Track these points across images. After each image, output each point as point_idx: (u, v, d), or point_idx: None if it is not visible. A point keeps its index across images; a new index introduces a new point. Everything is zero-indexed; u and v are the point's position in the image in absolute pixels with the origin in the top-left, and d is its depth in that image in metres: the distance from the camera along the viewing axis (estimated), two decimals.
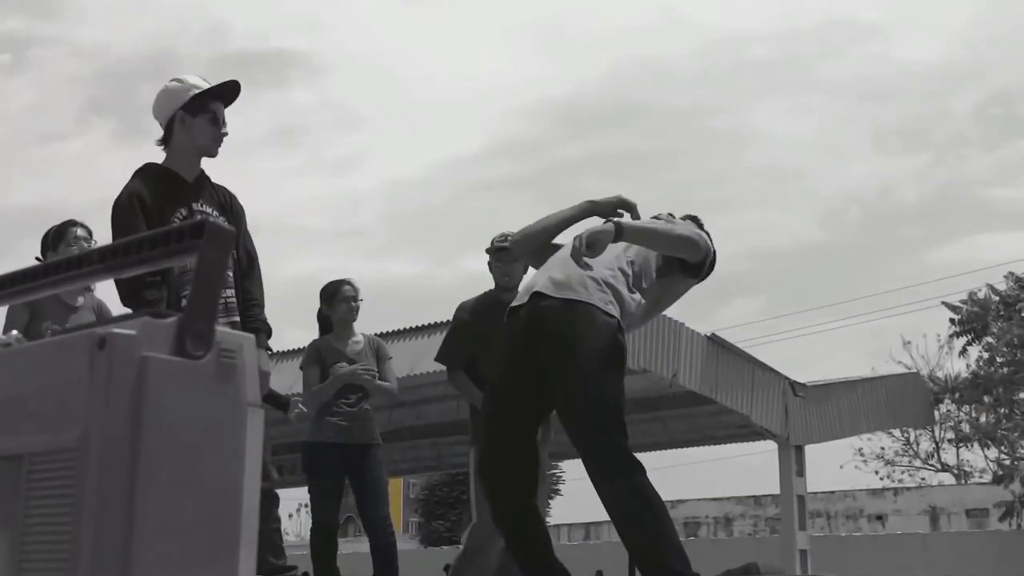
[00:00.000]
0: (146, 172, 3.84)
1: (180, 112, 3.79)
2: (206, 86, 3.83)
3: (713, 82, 60.80)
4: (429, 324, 11.40)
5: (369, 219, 77.47)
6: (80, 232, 4.79)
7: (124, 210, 3.72)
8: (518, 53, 63.31)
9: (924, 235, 61.06)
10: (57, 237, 4.80)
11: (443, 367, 5.32)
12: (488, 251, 5.18)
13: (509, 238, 4.48)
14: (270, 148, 72.48)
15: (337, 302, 5.78)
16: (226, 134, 3.86)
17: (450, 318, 5.45)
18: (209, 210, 3.83)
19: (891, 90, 56.44)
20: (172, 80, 3.88)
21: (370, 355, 5.83)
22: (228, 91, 3.88)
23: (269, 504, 4.45)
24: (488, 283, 5.26)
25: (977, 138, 56.15)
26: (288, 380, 8.14)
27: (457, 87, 72.42)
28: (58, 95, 72.29)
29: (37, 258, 4.87)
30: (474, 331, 5.03)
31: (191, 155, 3.85)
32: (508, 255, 4.93)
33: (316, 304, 5.93)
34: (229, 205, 3.98)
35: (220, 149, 3.87)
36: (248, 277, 4.01)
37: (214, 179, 3.99)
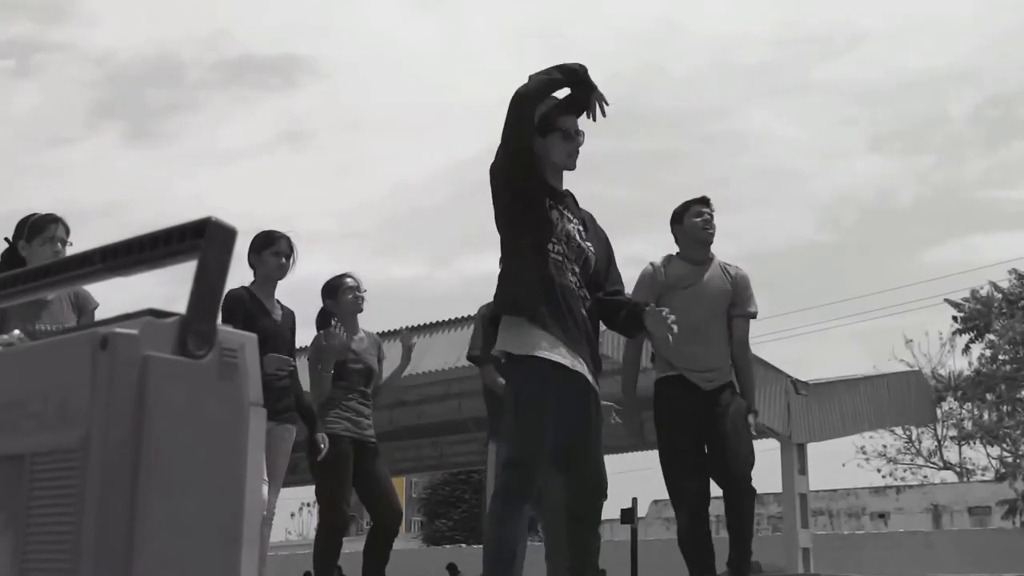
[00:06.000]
0: None
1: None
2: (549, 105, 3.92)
3: (712, 85, 60.81)
4: (429, 323, 11.41)
5: (372, 221, 77.55)
6: (60, 232, 4.58)
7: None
8: (520, 57, 63.26)
9: (921, 237, 61.09)
10: (34, 230, 4.58)
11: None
12: None
13: None
14: (275, 151, 72.51)
15: (341, 294, 5.77)
16: (580, 143, 3.96)
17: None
18: (573, 219, 3.96)
19: (889, 92, 56.41)
20: None
21: (372, 351, 5.84)
22: (572, 103, 3.97)
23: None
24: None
25: (975, 140, 56.16)
26: None
27: (460, 90, 72.44)
28: (66, 98, 72.33)
29: (6, 239, 4.69)
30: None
31: (553, 172, 3.98)
32: None
33: (319, 305, 5.91)
34: (593, 225, 4.08)
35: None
36: (611, 281, 4.08)
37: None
